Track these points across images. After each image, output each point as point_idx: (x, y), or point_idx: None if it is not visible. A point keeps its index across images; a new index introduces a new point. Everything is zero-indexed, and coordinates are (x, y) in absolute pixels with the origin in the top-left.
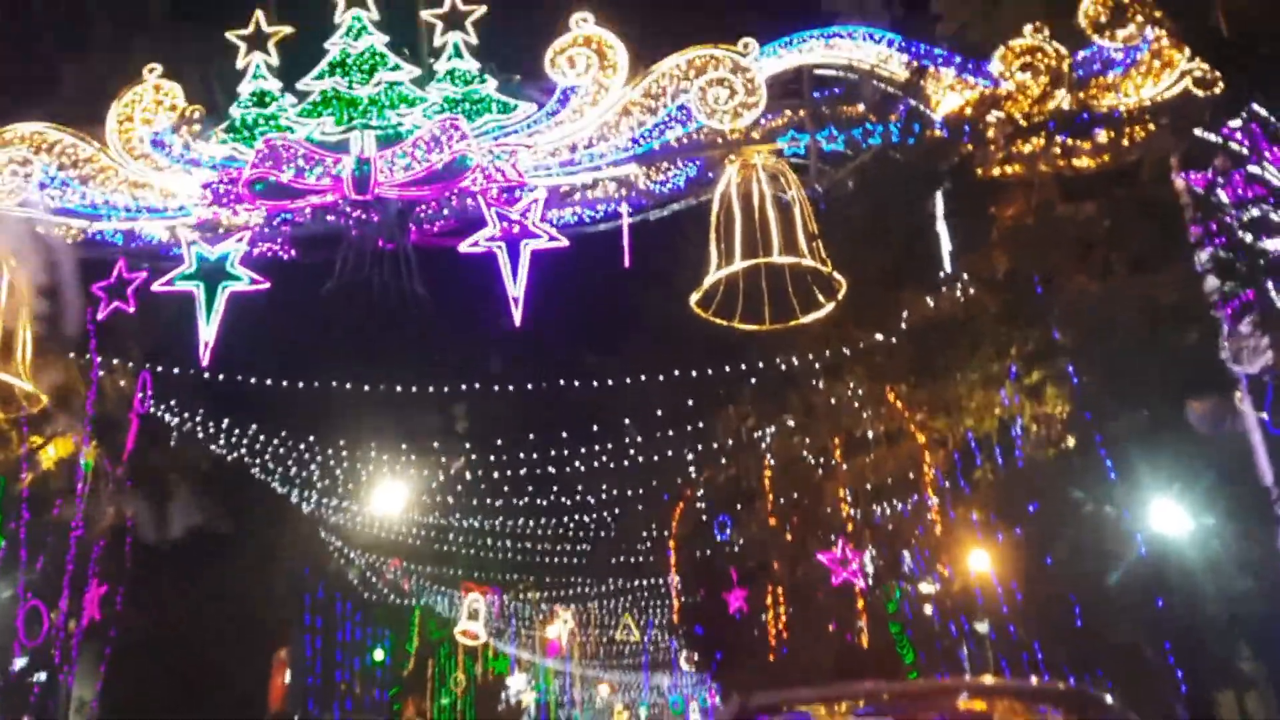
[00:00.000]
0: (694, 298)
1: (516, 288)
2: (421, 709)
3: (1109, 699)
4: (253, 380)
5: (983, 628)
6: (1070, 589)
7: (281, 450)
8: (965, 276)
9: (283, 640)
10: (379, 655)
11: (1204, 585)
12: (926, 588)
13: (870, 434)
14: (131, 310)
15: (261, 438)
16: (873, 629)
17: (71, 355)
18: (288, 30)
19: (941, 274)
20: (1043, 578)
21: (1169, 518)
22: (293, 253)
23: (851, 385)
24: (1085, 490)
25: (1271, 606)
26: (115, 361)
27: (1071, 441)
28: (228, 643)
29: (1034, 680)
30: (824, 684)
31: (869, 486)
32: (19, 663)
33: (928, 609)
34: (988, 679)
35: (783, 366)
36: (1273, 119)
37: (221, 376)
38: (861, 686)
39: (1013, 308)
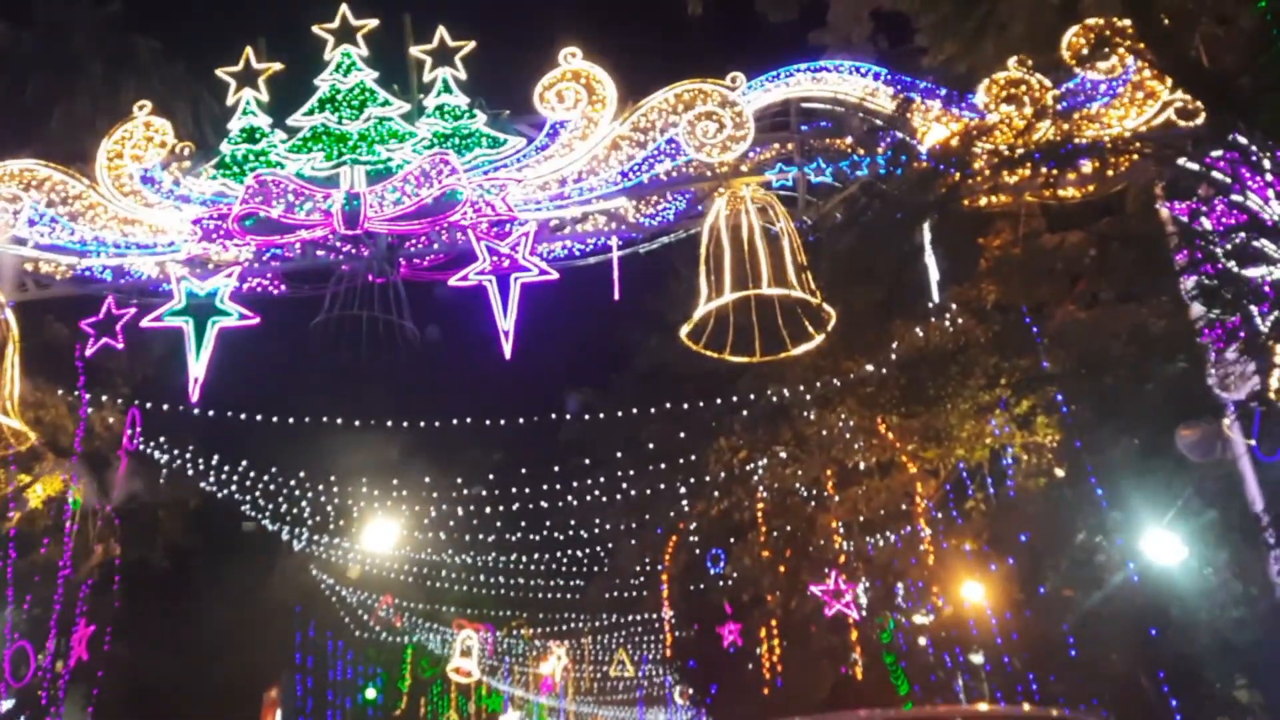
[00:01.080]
0: (684, 330)
1: (507, 321)
2: None
3: None
4: (243, 416)
5: (977, 659)
6: (1064, 619)
7: (272, 487)
8: (954, 307)
9: (273, 679)
10: (371, 694)
11: (1197, 614)
12: (920, 619)
13: (862, 465)
14: (120, 347)
15: (251, 474)
16: (867, 661)
17: (60, 392)
18: (277, 67)
19: (930, 304)
20: (1036, 608)
21: (1161, 546)
22: (282, 288)
23: (843, 416)
24: (1077, 519)
25: (1266, 634)
26: (104, 398)
27: (1062, 471)
28: (218, 682)
29: (1027, 707)
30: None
31: (861, 518)
32: (6, 704)
33: (922, 640)
34: (983, 706)
35: (774, 398)
36: (1253, 148)
37: (211, 413)
38: (855, 714)
39: (1001, 337)
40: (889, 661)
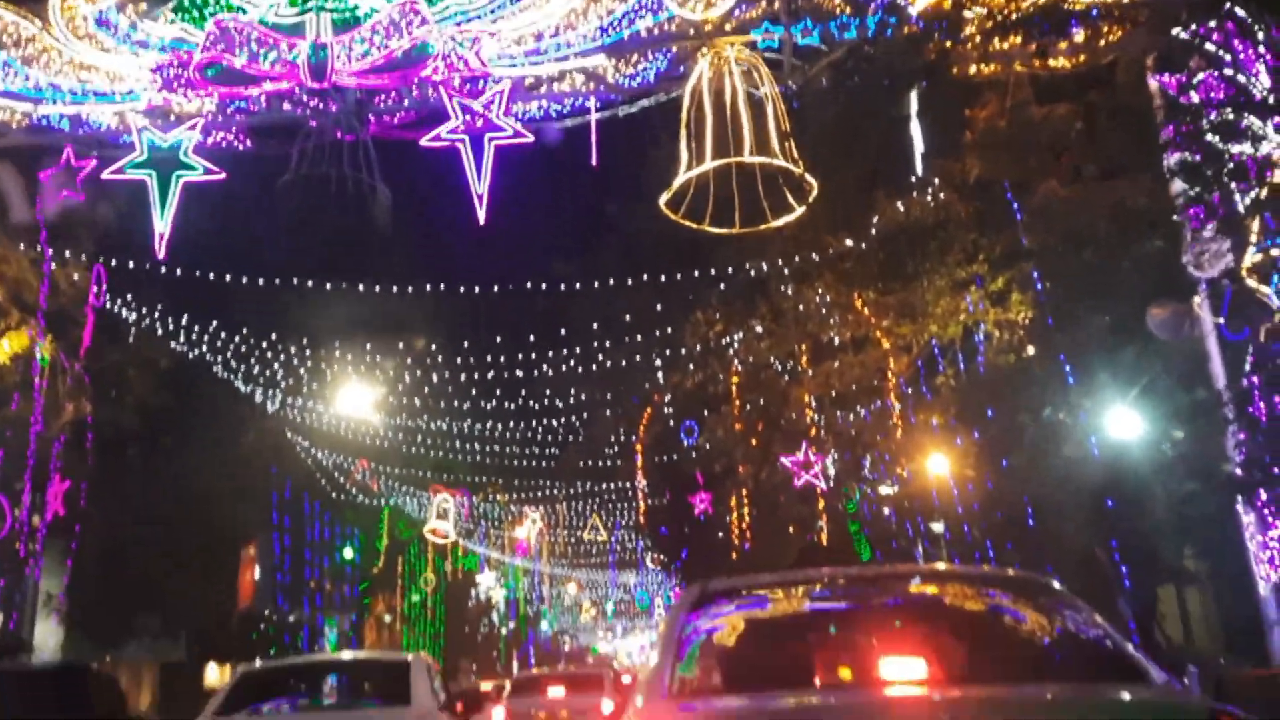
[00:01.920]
0: (663, 198)
1: (481, 184)
2: (392, 605)
3: (1056, 584)
4: (211, 275)
5: (938, 528)
6: (1025, 492)
7: (244, 348)
8: (937, 181)
9: (250, 537)
10: (348, 553)
11: (1153, 488)
12: (885, 489)
13: (837, 340)
14: (81, 199)
15: (223, 335)
16: (832, 529)
17: (22, 247)
18: None
19: (914, 178)
20: (999, 481)
21: (1123, 423)
22: (248, 143)
23: (820, 291)
24: (1043, 396)
25: (1217, 507)
26: (67, 254)
27: (1032, 349)
28: (195, 539)
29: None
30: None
31: (833, 392)
32: None
33: (885, 510)
34: (940, 565)
35: (752, 272)
36: (1248, 18)
37: (179, 271)
38: (817, 572)
39: (982, 213)
40: (853, 529)
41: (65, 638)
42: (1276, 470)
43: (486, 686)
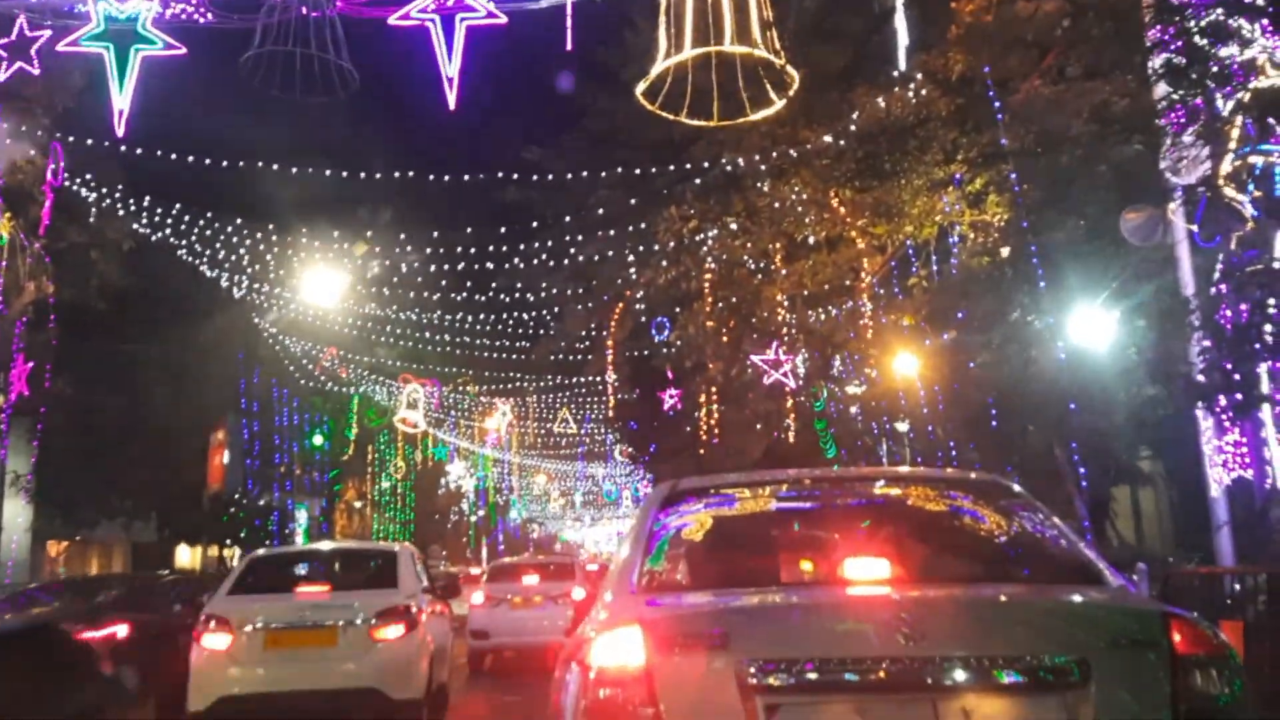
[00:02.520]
0: (640, 87)
1: (451, 67)
2: (362, 491)
3: (1017, 487)
4: (174, 156)
5: (903, 427)
6: (990, 393)
7: (209, 232)
8: (919, 77)
9: (219, 422)
10: (318, 440)
11: (1116, 392)
12: (853, 389)
13: (811, 239)
14: (36, 72)
15: (187, 217)
16: (799, 427)
17: None
18: None
19: (896, 72)
20: (965, 382)
21: (1091, 326)
22: (209, 16)
23: (796, 188)
24: (1014, 298)
25: (1176, 410)
26: (23, 129)
27: (1006, 251)
28: (163, 422)
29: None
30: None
31: (806, 291)
32: None
33: (853, 409)
34: (904, 469)
35: (728, 167)
36: None
37: (139, 150)
38: (784, 473)
39: (964, 110)
40: (820, 427)
41: (35, 516)
42: (1237, 377)
43: (453, 569)
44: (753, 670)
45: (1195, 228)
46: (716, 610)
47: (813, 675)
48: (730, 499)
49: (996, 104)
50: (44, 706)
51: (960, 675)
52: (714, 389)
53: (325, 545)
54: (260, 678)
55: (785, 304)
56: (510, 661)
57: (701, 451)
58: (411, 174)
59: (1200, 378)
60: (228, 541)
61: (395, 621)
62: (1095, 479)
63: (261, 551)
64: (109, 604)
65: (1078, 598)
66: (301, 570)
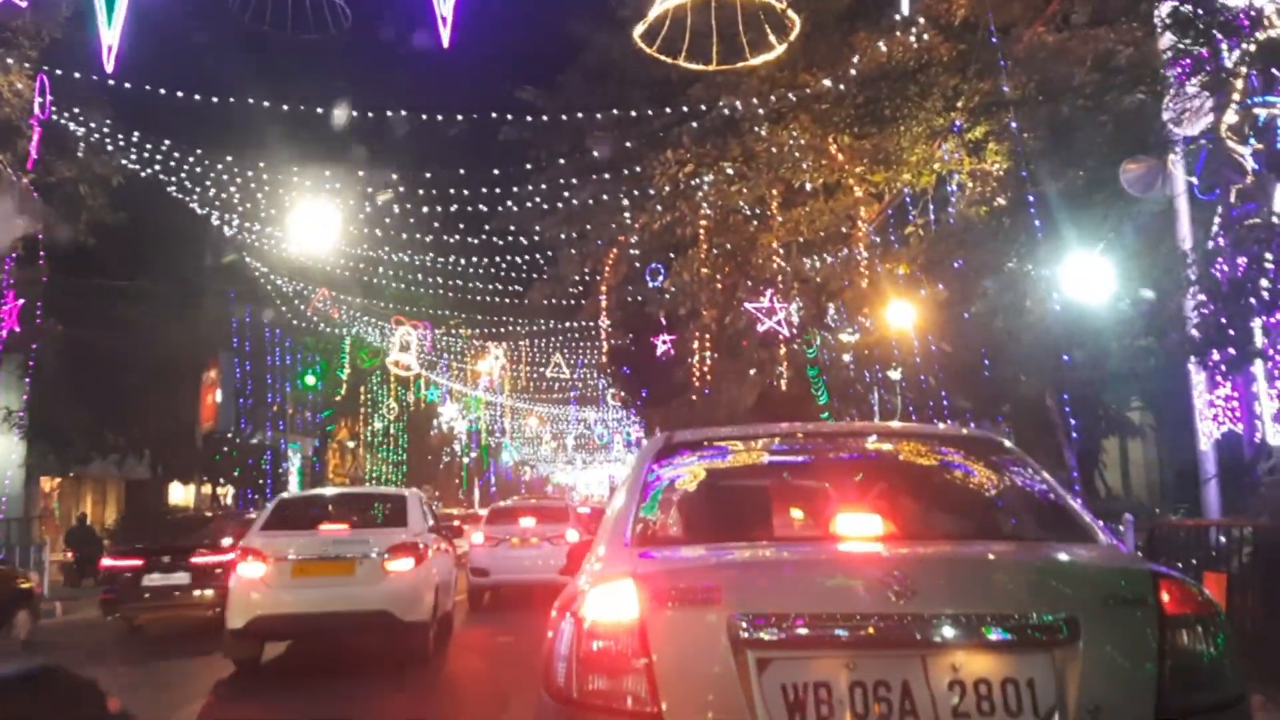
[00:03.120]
0: (638, 30)
1: (446, 5)
2: (355, 432)
3: (1009, 444)
4: (163, 91)
5: (895, 375)
6: (984, 343)
7: (199, 169)
8: (921, 21)
9: (211, 360)
10: (310, 380)
11: (1109, 343)
12: (846, 337)
13: (808, 185)
14: (24, 4)
15: (177, 155)
16: (792, 375)
17: None
18: None
19: (898, 16)
20: (959, 331)
21: (1087, 278)
22: None
23: (794, 134)
24: (1011, 249)
25: (1168, 362)
26: (10, 61)
27: (1003, 200)
28: (155, 360)
29: (940, 426)
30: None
31: (801, 239)
32: None
33: (846, 357)
34: (896, 424)
35: (726, 111)
36: None
37: (128, 85)
38: (779, 427)
39: (966, 57)
40: (813, 375)
41: (28, 453)
42: (1231, 332)
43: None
44: (744, 625)
45: (1195, 180)
46: (709, 565)
47: (804, 630)
48: (725, 452)
49: (999, 51)
50: None
51: (950, 632)
52: (708, 336)
53: (345, 489)
54: (289, 600)
55: (781, 251)
56: (507, 598)
57: (694, 398)
58: (405, 113)
59: (1194, 332)
60: (221, 480)
61: (404, 555)
62: (1086, 429)
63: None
64: (211, 534)
65: (1067, 556)
66: (324, 510)
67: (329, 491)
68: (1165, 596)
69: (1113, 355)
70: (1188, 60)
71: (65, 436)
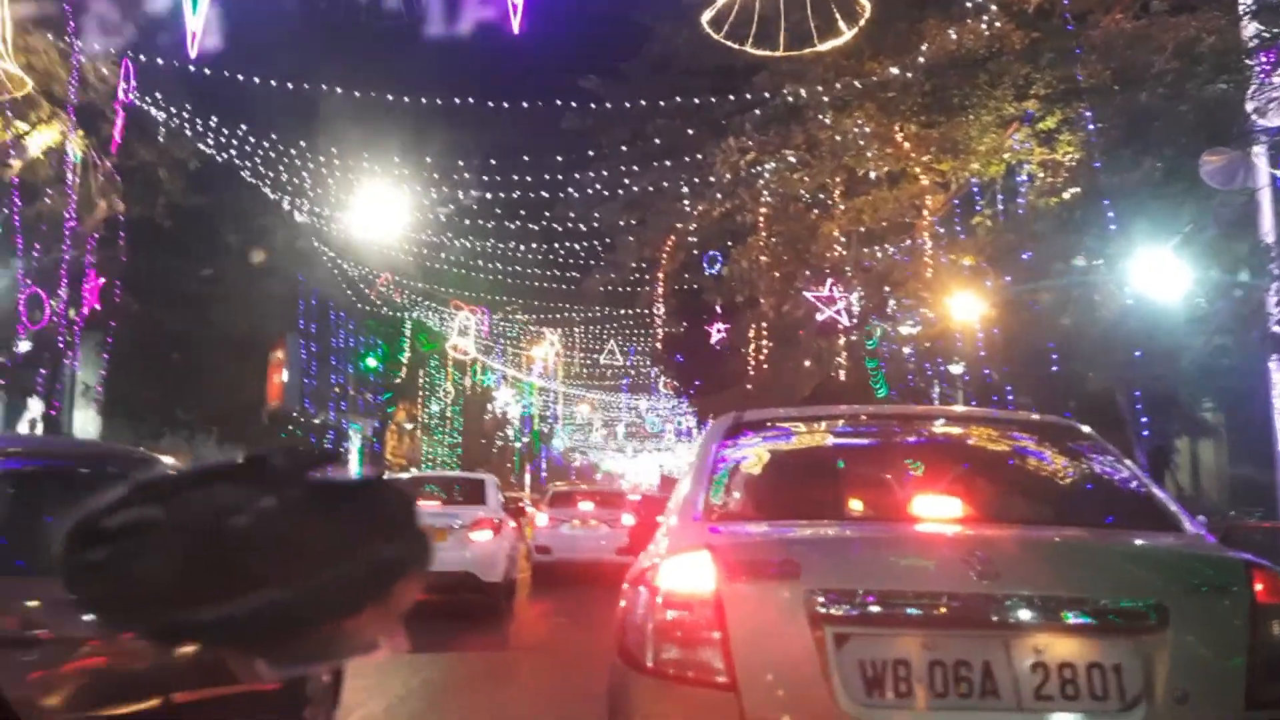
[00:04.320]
0: (706, 16)
1: None
2: (413, 414)
3: (1086, 429)
4: (240, 78)
5: (956, 369)
6: (1052, 337)
7: (272, 154)
8: (994, 8)
9: (279, 340)
10: (372, 362)
11: (1184, 339)
12: (906, 329)
13: (872, 174)
14: None
15: (251, 140)
16: (850, 366)
17: (50, 37)
18: None
19: (969, 3)
20: (1025, 325)
21: (1161, 272)
22: None
23: (859, 121)
24: (1082, 241)
25: (1245, 360)
26: (96, 47)
27: (1074, 191)
28: (225, 337)
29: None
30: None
31: (863, 228)
32: (24, 346)
33: (906, 350)
34: (959, 408)
35: (790, 98)
36: None
37: (208, 71)
38: (847, 409)
39: (1039, 44)
40: (871, 367)
41: (104, 426)
42: None
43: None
44: (823, 600)
45: (1278, 173)
46: (788, 539)
47: (884, 608)
48: (793, 432)
49: (1074, 37)
50: (364, 549)
51: (1033, 614)
52: (764, 325)
53: (440, 473)
54: None
55: (842, 240)
56: (566, 574)
57: (749, 387)
58: (471, 101)
59: (1277, 329)
60: None
61: (484, 527)
62: (1156, 428)
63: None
64: None
65: (1155, 543)
66: (422, 489)
67: (426, 474)
68: (1259, 586)
69: (1186, 351)
70: (1273, 49)
71: (139, 412)
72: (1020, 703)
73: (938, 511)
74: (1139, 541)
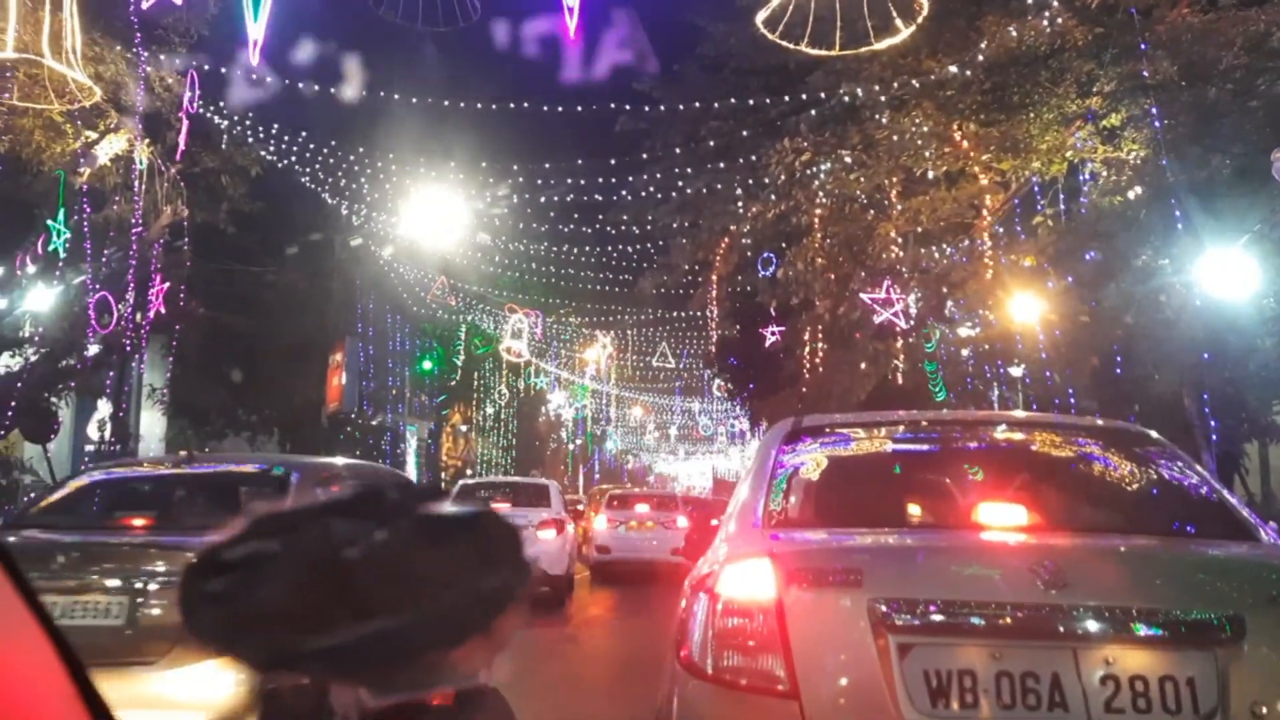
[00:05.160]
0: (761, 16)
1: None
2: (467, 416)
3: (1154, 434)
4: (300, 85)
5: (1017, 371)
6: (1115, 339)
7: (331, 160)
8: (1055, 4)
9: (337, 344)
10: (428, 365)
11: (1254, 341)
12: (965, 331)
13: (930, 174)
14: (179, 2)
15: (311, 146)
16: (906, 369)
17: (118, 48)
18: None
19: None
20: (1088, 326)
21: (1229, 273)
22: None
23: (917, 120)
24: (1147, 240)
25: None
26: (162, 58)
27: (1140, 189)
28: (286, 341)
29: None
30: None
31: (920, 228)
32: (92, 349)
33: (964, 352)
34: (1019, 413)
35: (845, 98)
36: None
37: (269, 79)
38: (907, 414)
39: (1103, 40)
40: (930, 370)
41: (169, 427)
42: None
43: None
44: (885, 609)
45: None
46: (851, 547)
47: (949, 617)
48: (853, 438)
49: (1139, 33)
50: (470, 581)
51: (1103, 626)
52: (819, 327)
53: (508, 478)
54: None
55: (899, 241)
56: (624, 573)
57: (804, 390)
58: (526, 105)
59: None
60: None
61: (550, 526)
62: (1225, 432)
63: (470, 480)
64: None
65: (1230, 553)
66: (493, 491)
67: (496, 479)
68: None
69: (1256, 354)
70: None
71: (203, 414)
72: (1090, 716)
73: (1002, 519)
74: (1213, 551)
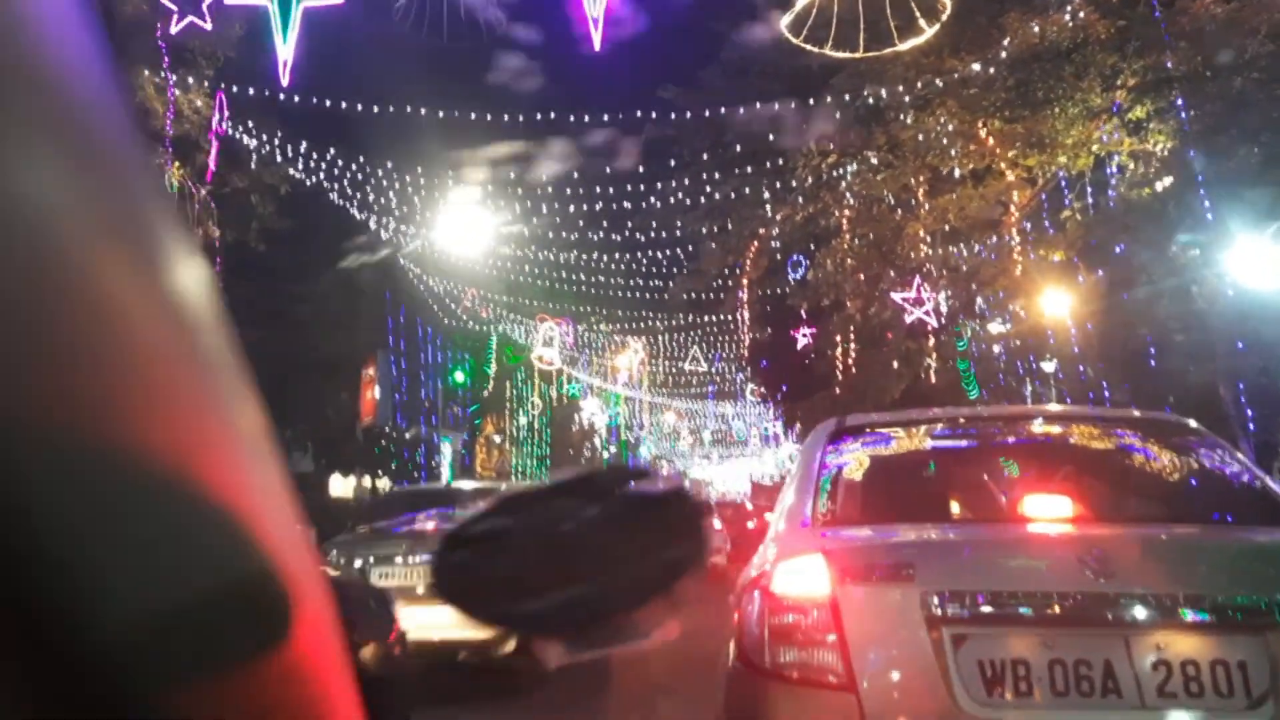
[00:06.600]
0: (785, 20)
1: (596, 7)
2: (501, 427)
3: (1194, 423)
4: (328, 103)
5: (1049, 366)
6: (1148, 331)
7: (359, 176)
8: None
9: (369, 358)
10: (460, 377)
11: None
12: (996, 327)
13: (957, 172)
14: (208, 27)
15: (339, 163)
16: (940, 367)
17: (146, 73)
18: None
19: None
20: (1119, 319)
21: (1262, 262)
22: None
23: (942, 119)
24: (1176, 232)
25: None
26: (190, 81)
27: (1164, 182)
28: (319, 356)
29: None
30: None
31: (948, 227)
32: None
33: (996, 349)
34: (1055, 406)
35: (870, 99)
36: None
37: (297, 98)
38: (939, 412)
39: (1126, 33)
40: (962, 367)
41: None
42: None
43: None
44: (938, 601)
45: None
46: (901, 543)
47: (1001, 608)
48: (893, 437)
49: (1163, 25)
50: (659, 551)
51: (1152, 612)
52: (851, 328)
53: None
54: None
55: (928, 240)
56: None
57: (837, 391)
58: (553, 115)
59: None
60: (379, 473)
61: None
62: (1262, 421)
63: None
64: None
65: (1277, 538)
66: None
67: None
68: None
69: None
70: None
71: None
72: (1144, 701)
73: (1047, 511)
74: (1258, 537)
